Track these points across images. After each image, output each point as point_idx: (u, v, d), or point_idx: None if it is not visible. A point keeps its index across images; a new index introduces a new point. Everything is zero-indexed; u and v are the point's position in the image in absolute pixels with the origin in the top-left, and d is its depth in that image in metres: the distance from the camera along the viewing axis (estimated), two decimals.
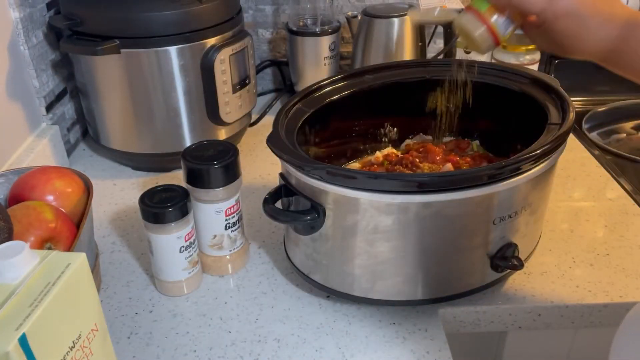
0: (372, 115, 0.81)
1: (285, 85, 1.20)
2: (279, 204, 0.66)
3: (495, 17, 0.63)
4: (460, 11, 0.68)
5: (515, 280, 0.70)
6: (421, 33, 1.06)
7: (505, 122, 0.75)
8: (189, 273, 0.69)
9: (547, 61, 1.18)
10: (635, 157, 0.97)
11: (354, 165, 0.82)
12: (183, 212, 0.65)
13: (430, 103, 0.79)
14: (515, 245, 0.64)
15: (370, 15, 1.03)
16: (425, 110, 0.80)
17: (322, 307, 0.68)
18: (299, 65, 1.10)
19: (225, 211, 0.69)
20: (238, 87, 0.92)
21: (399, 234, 0.60)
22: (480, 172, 0.60)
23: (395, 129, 0.84)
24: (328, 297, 0.69)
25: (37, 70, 0.90)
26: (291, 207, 0.66)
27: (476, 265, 0.64)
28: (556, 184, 0.88)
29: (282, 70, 1.21)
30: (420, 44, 1.06)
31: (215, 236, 0.70)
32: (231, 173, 0.67)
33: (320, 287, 0.68)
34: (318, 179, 0.59)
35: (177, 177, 0.95)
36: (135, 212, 0.86)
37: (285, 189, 0.65)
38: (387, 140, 0.84)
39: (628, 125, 1.13)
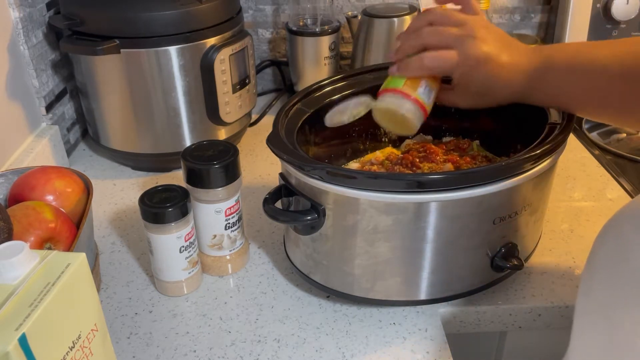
0: (372, 115, 0.81)
1: (285, 85, 1.20)
2: (279, 204, 0.66)
3: (416, 88, 0.63)
4: (373, 99, 0.67)
5: (515, 280, 0.70)
6: None
7: (505, 122, 0.75)
8: (189, 273, 0.69)
9: None
10: (635, 157, 0.97)
11: (354, 165, 0.82)
12: (183, 212, 0.65)
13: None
14: (515, 245, 0.64)
15: (370, 15, 1.03)
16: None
17: (322, 307, 0.68)
18: (299, 65, 1.10)
19: (225, 211, 0.69)
20: (238, 87, 0.92)
21: (399, 234, 0.60)
22: (480, 172, 0.60)
23: None
24: (328, 297, 0.69)
25: (37, 70, 0.90)
26: (291, 207, 0.66)
27: (476, 265, 0.64)
28: (556, 184, 0.88)
29: (282, 70, 1.21)
30: None
31: (215, 236, 0.70)
32: (231, 173, 0.67)
33: (320, 287, 0.68)
34: (318, 179, 0.59)
35: (177, 177, 0.95)
36: (135, 212, 0.86)
37: (285, 189, 0.65)
38: (387, 140, 0.84)
39: None
